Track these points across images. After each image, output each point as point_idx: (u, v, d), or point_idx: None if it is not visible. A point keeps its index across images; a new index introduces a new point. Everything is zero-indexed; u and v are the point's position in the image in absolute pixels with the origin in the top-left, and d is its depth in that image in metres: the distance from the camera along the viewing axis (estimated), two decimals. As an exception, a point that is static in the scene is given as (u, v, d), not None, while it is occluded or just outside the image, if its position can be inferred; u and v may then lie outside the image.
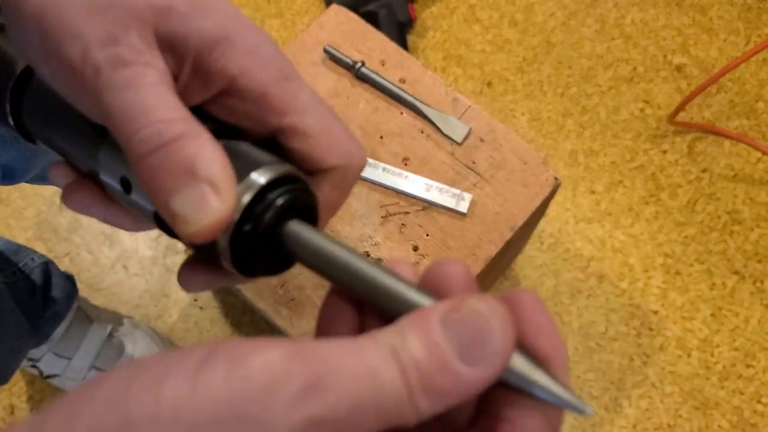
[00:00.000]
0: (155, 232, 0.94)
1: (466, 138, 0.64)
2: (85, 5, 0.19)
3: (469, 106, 0.65)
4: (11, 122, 0.26)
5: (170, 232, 0.23)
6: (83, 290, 0.91)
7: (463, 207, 0.61)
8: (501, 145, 0.63)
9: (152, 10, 0.19)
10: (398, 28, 0.98)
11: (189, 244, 0.22)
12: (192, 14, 0.20)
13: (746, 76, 0.99)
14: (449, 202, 0.61)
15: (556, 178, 0.62)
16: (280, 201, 0.20)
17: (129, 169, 0.21)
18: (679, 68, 1.01)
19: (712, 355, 0.85)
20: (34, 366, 0.80)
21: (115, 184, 0.22)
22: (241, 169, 0.20)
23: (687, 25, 1.03)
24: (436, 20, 1.05)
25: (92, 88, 0.18)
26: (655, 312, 0.87)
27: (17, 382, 0.87)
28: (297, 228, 0.21)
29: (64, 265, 0.93)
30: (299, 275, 0.60)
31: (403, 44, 0.99)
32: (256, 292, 0.59)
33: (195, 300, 0.90)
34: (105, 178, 0.22)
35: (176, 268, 0.92)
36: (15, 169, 0.56)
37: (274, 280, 0.59)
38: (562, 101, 0.99)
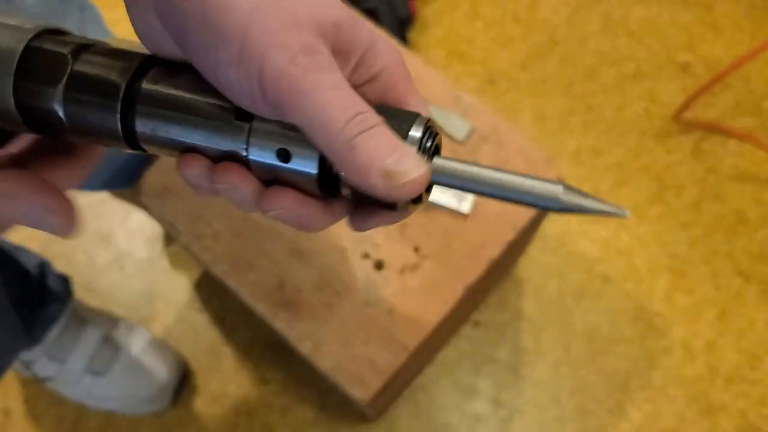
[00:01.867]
0: (150, 233, 0.93)
1: (468, 136, 0.62)
2: (286, 19, 0.24)
3: (472, 104, 0.64)
4: (119, 128, 0.27)
5: (330, 189, 0.27)
6: (79, 291, 0.90)
7: (466, 207, 0.59)
8: (504, 144, 0.62)
9: (330, 24, 0.25)
10: (399, 25, 0.97)
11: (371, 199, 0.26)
12: (353, 27, 0.26)
13: (752, 74, 0.98)
14: (451, 202, 0.60)
15: (560, 178, 0.61)
16: (429, 144, 0.26)
17: (288, 141, 0.26)
18: (684, 66, 0.99)
19: (717, 358, 0.83)
20: (28, 369, 0.79)
21: (271, 158, 0.26)
22: (400, 127, 0.26)
23: (692, 22, 1.02)
24: (438, 16, 1.04)
25: (295, 87, 0.23)
26: (660, 314, 0.86)
27: (13, 385, 0.86)
28: (441, 162, 0.26)
29: (59, 266, 0.92)
30: (296, 277, 0.58)
31: (404, 40, 0.98)
32: (254, 294, 0.58)
33: (192, 302, 0.89)
34: (257, 155, 0.26)
35: (171, 271, 0.91)
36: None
37: (271, 282, 0.58)
38: (566, 99, 0.98)
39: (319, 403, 0.83)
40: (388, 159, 0.24)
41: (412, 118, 0.26)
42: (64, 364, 0.78)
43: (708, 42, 1.00)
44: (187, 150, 0.27)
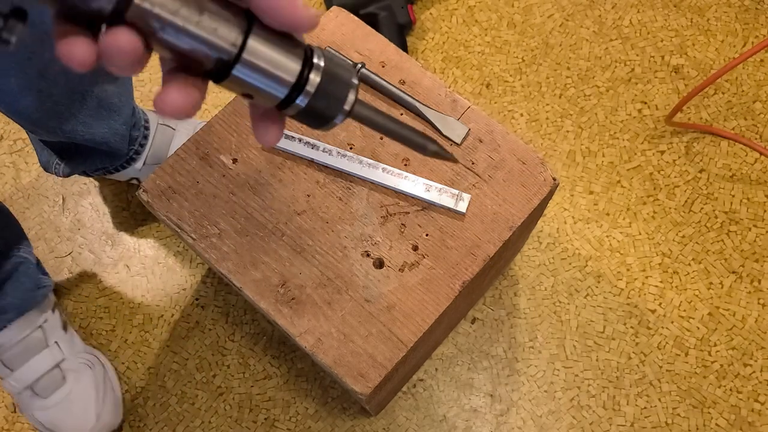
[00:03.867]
0: (161, 234, 0.95)
1: (465, 139, 0.64)
2: None
3: (468, 107, 0.65)
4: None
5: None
6: (85, 289, 0.92)
7: (462, 207, 0.61)
8: (500, 146, 0.64)
9: None
10: (398, 30, 0.99)
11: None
12: None
13: (744, 77, 1.00)
14: (448, 202, 0.62)
15: (554, 179, 0.63)
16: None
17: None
18: (676, 69, 1.01)
19: (709, 354, 0.85)
20: None
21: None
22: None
23: (685, 26, 1.04)
24: (436, 22, 1.06)
25: None
26: (653, 311, 0.88)
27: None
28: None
29: (66, 264, 0.94)
30: (298, 275, 0.60)
31: (403, 46, 1.00)
32: (258, 291, 0.60)
33: (196, 299, 0.91)
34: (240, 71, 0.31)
35: (177, 268, 0.93)
36: None
37: (274, 280, 0.60)
38: (561, 102, 1.00)
39: (320, 398, 0.85)
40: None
41: (351, 69, 0.34)
42: (11, 372, 0.80)
43: (700, 45, 1.02)
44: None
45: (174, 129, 0.90)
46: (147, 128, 0.87)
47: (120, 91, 0.79)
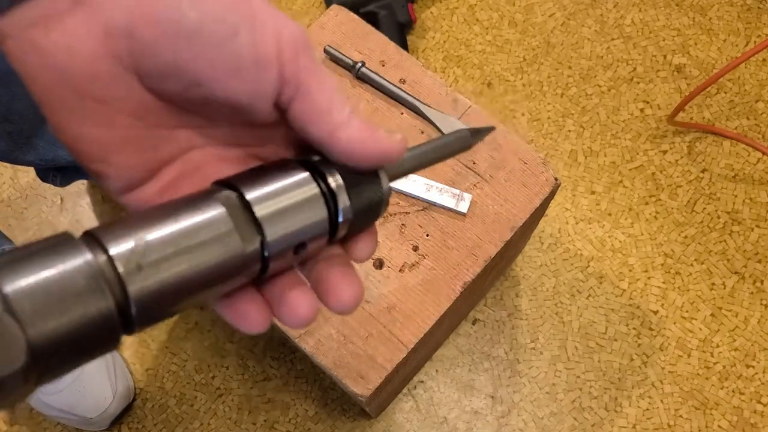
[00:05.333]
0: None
1: (466, 138, 0.64)
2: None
3: (469, 107, 0.65)
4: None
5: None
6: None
7: (463, 207, 0.61)
8: (501, 146, 0.63)
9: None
10: (398, 29, 0.99)
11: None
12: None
13: (746, 76, 0.99)
14: (449, 202, 0.61)
15: (555, 179, 0.62)
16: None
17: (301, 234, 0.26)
18: (678, 68, 1.01)
19: (711, 355, 0.85)
20: None
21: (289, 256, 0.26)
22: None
23: (687, 25, 1.03)
24: (436, 21, 1.05)
25: (310, 66, 0.25)
26: (655, 312, 0.87)
27: None
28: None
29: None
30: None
31: (403, 45, 1.00)
32: (257, 292, 0.59)
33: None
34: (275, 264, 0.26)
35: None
36: None
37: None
38: (562, 101, 0.99)
39: (320, 399, 0.85)
40: (375, 131, 0.25)
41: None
42: None
43: (702, 44, 1.02)
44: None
45: None
46: None
47: None
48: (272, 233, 0.24)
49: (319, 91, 0.24)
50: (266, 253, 0.24)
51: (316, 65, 0.25)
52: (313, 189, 0.25)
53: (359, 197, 0.26)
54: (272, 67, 0.24)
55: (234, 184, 0.24)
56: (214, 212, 0.23)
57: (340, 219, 0.26)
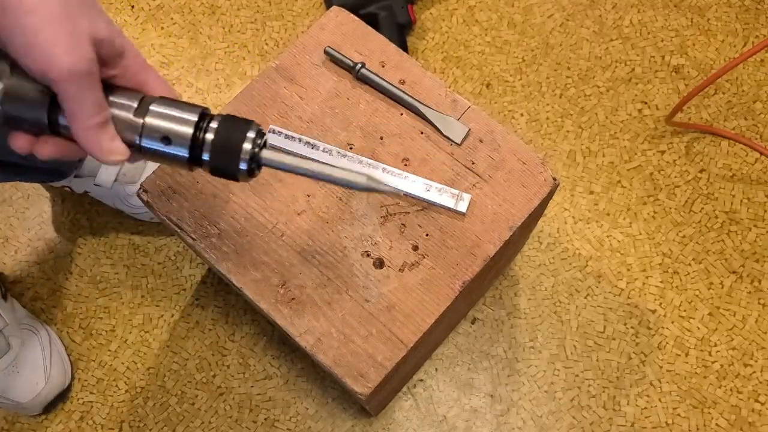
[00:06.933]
0: (161, 234, 0.95)
1: (465, 139, 0.64)
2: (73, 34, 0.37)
3: (469, 107, 0.65)
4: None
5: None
6: (86, 289, 0.92)
7: (463, 207, 0.61)
8: (500, 146, 0.64)
9: (102, 39, 0.39)
10: (398, 30, 0.99)
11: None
12: (115, 40, 0.41)
13: (744, 77, 1.00)
14: (449, 202, 0.61)
15: (554, 179, 0.63)
16: (259, 141, 0.42)
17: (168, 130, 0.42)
18: (677, 69, 1.01)
19: (710, 354, 0.85)
20: None
21: (157, 144, 0.41)
22: (240, 129, 0.41)
23: (685, 26, 1.04)
24: (436, 22, 1.06)
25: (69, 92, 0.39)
26: (653, 311, 0.87)
27: None
28: (268, 154, 0.43)
29: (65, 264, 0.94)
30: (298, 275, 0.60)
31: (403, 46, 1.00)
32: (257, 291, 0.60)
33: (196, 300, 0.91)
34: (147, 142, 0.41)
35: (177, 268, 0.92)
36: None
37: (274, 280, 0.60)
38: (561, 102, 1.00)
39: (320, 398, 0.85)
40: (103, 143, 0.40)
41: (248, 123, 0.40)
42: None
43: (701, 45, 1.02)
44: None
45: None
46: None
47: None
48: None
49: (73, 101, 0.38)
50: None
51: (84, 80, 0.37)
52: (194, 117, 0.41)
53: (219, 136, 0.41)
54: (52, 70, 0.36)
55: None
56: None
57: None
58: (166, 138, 0.39)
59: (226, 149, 0.39)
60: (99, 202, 0.96)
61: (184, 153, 0.40)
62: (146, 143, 0.40)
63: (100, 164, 0.89)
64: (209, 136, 0.40)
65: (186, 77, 1.04)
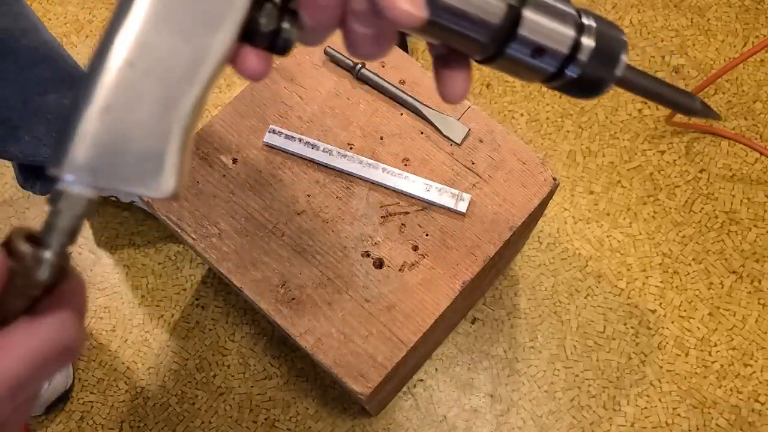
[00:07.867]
0: (161, 234, 0.95)
1: (465, 139, 0.64)
2: None
3: (469, 107, 0.65)
4: None
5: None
6: (86, 289, 0.92)
7: (463, 207, 0.61)
8: (500, 146, 0.64)
9: None
10: (399, 30, 0.99)
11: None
12: None
13: (744, 77, 1.00)
14: (449, 202, 0.61)
15: (554, 179, 0.63)
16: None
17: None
18: (677, 69, 1.01)
19: (709, 354, 0.85)
20: None
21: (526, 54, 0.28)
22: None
23: (685, 26, 1.04)
24: (436, 22, 1.06)
25: None
26: (653, 311, 0.87)
27: None
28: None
29: (66, 265, 0.94)
30: (298, 275, 0.60)
31: (404, 46, 1.00)
32: (257, 291, 0.60)
33: (196, 300, 0.91)
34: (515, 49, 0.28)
35: (177, 269, 0.92)
36: None
37: (274, 280, 0.60)
38: (561, 102, 1.00)
39: (320, 398, 0.85)
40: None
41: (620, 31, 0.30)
42: None
43: (701, 45, 1.02)
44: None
45: None
46: None
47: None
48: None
49: None
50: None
51: None
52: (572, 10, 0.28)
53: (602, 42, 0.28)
54: None
55: None
56: None
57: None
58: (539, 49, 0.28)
59: (604, 61, 0.28)
60: (99, 202, 0.96)
61: (552, 67, 0.29)
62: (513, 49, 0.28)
63: None
64: (587, 42, 0.28)
65: (186, 77, 1.04)
